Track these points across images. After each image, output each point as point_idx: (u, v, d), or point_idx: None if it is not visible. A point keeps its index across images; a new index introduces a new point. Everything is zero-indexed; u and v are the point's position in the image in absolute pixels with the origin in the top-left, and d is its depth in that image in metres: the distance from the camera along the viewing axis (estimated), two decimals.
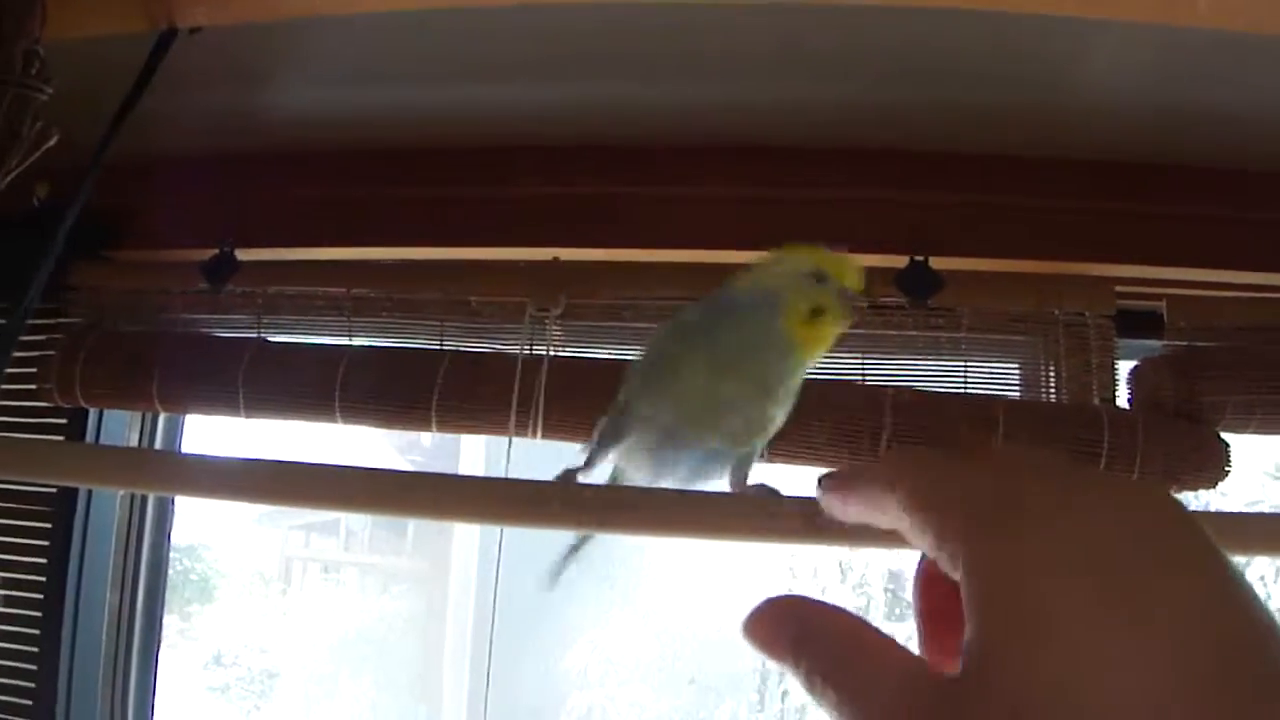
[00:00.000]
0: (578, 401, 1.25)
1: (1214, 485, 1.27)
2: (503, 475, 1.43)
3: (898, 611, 2.11)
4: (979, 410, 1.25)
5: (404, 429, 1.32)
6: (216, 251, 1.43)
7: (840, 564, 2.13)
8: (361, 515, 2.46)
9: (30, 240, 1.36)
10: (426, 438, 2.22)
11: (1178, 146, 1.32)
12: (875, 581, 2.13)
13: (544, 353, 1.30)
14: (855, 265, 0.85)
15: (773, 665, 0.35)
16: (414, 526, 2.37)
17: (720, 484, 0.92)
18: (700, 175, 1.32)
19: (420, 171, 1.38)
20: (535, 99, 1.30)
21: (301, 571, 2.61)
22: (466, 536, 2.25)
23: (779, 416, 0.88)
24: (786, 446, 1.22)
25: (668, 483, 0.91)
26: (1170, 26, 1.05)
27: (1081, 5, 0.96)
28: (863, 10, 1.08)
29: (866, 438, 1.22)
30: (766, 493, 0.88)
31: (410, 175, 1.39)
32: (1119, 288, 1.33)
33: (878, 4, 1.05)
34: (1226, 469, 1.27)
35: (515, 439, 1.27)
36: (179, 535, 2.42)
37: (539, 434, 1.26)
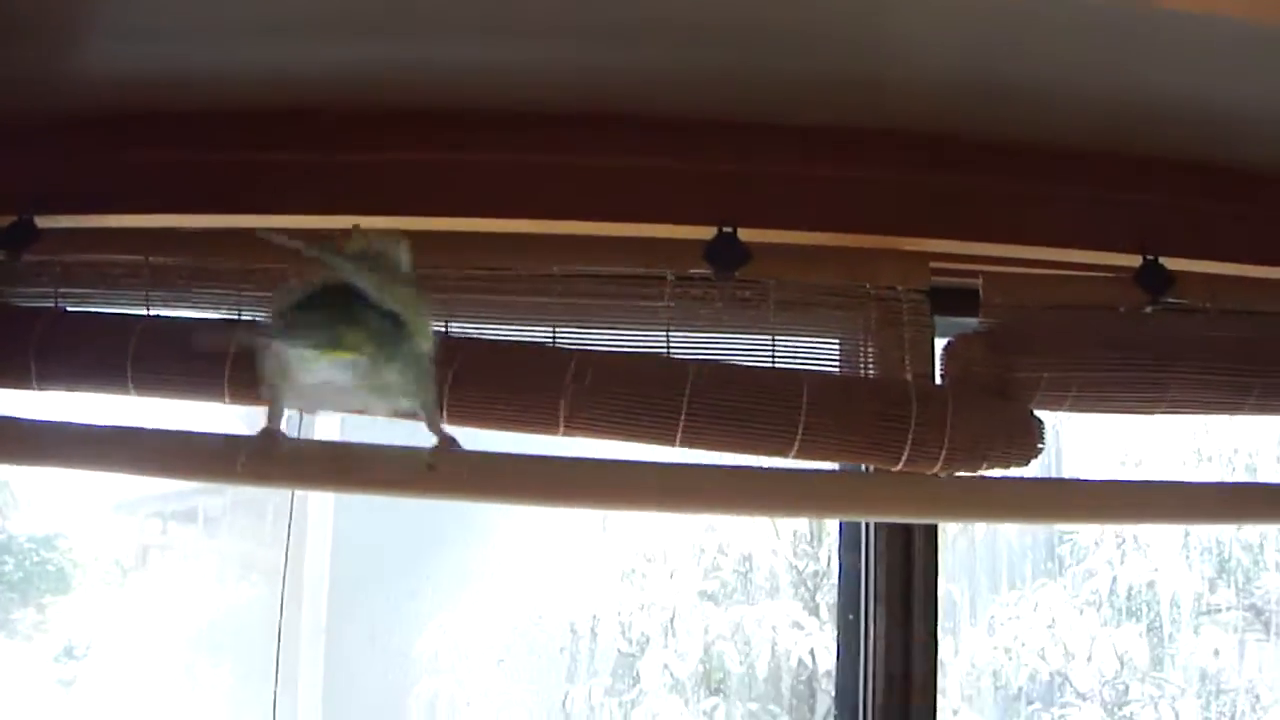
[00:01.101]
0: None
1: (1026, 462, 1.27)
2: None
3: (749, 595, 2.10)
4: (783, 383, 1.23)
5: (197, 400, 1.27)
6: (15, 219, 1.37)
7: (696, 547, 2.12)
8: (219, 501, 2.42)
9: None
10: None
11: (996, 120, 1.31)
12: (726, 565, 2.12)
13: None
14: None
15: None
16: (272, 513, 2.32)
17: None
18: (492, 141, 1.28)
19: (224, 136, 1.33)
20: (333, 59, 1.25)
21: (159, 560, 2.55)
22: (321, 523, 2.20)
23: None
24: (587, 418, 1.20)
25: None
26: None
27: None
28: None
29: (665, 411, 1.19)
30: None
31: (213, 140, 1.33)
32: (934, 264, 1.32)
33: None
34: (1039, 446, 1.26)
35: None
36: (34, 525, 2.37)
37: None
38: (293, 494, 2.10)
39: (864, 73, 1.23)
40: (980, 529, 2.25)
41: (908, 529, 1.38)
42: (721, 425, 1.20)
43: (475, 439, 1.14)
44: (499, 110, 1.29)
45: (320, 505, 2.21)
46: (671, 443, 1.19)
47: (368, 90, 1.29)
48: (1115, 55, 1.16)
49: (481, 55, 1.20)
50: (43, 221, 1.36)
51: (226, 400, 1.25)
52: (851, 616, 1.39)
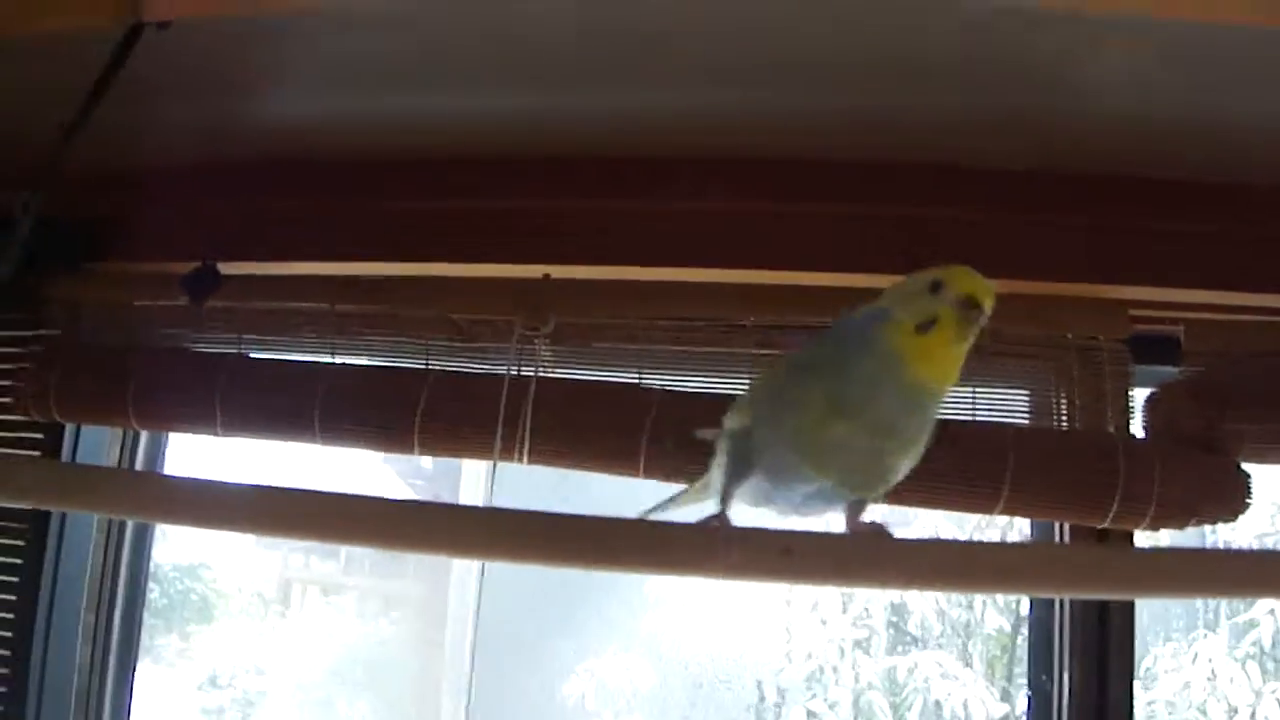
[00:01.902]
0: (567, 425, 1.20)
1: (1234, 519, 1.21)
2: (491, 504, 1.40)
3: (900, 647, 2.05)
4: (988, 440, 1.19)
5: (385, 450, 1.27)
6: (198, 265, 1.38)
7: (842, 596, 2.06)
8: None
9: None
10: (428, 462, 2.18)
11: (1192, 159, 1.26)
12: (878, 614, 2.06)
13: (531, 373, 1.24)
14: (977, 275, 0.78)
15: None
16: None
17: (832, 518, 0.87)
18: (696, 189, 1.26)
19: (408, 184, 1.34)
20: (525, 110, 1.25)
21: (301, 593, 2.56)
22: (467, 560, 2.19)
23: (902, 465, 0.82)
24: None
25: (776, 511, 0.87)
26: (1185, 31, 1.00)
27: None
28: (862, 13, 1.03)
29: None
30: (876, 530, 0.86)
31: (397, 188, 1.34)
32: (1134, 311, 1.27)
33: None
34: (1247, 501, 1.21)
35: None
36: (179, 555, 2.40)
37: (525, 458, 1.21)
38: None
39: (1051, 112, 1.19)
40: None
41: None
42: (921, 481, 1.16)
43: None
44: (676, 158, 1.28)
45: None
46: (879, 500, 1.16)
47: (547, 138, 1.28)
48: None
49: (688, 103, 1.19)
50: (227, 268, 1.37)
51: (416, 451, 1.24)
52: (1045, 677, 1.34)
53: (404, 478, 2.28)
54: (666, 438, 1.16)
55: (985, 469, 1.16)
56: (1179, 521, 1.18)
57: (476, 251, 1.29)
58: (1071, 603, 1.32)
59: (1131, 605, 1.33)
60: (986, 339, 1.22)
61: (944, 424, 1.21)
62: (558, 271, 1.27)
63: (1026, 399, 1.31)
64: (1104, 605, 1.32)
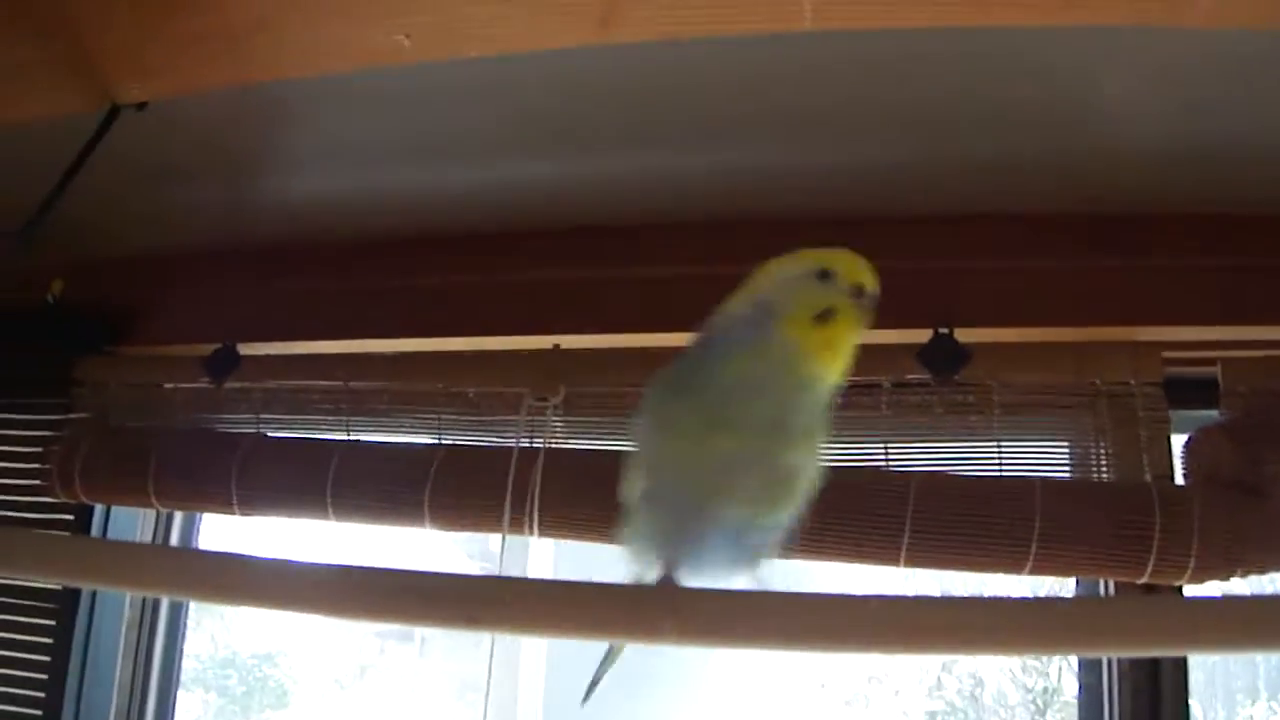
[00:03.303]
0: (579, 496, 1.18)
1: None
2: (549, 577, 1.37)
3: (978, 715, 1.98)
4: (1013, 492, 1.14)
5: (396, 525, 1.26)
6: (218, 346, 1.39)
7: (920, 666, 2.00)
8: None
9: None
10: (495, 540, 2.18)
11: (1216, 193, 1.22)
12: (950, 684, 1.99)
13: (540, 445, 1.22)
14: (860, 258, 0.74)
15: None
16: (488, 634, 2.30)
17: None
18: (702, 253, 1.24)
19: (416, 260, 1.34)
20: (528, 180, 1.24)
21: (377, 678, 2.56)
22: (536, 644, 2.18)
23: (804, 465, 0.74)
24: (809, 540, 1.12)
25: (707, 574, 0.78)
26: (1197, 58, 0.97)
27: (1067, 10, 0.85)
28: (862, 67, 1.01)
29: (889, 529, 1.12)
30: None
31: (406, 264, 1.34)
32: (1167, 353, 1.21)
33: (872, 58, 0.98)
34: None
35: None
36: (257, 642, 2.43)
37: (535, 531, 1.18)
38: None
39: (1072, 152, 1.16)
40: None
41: None
42: (949, 540, 1.12)
43: None
44: (686, 222, 1.26)
45: None
46: (896, 562, 1.11)
47: (553, 209, 1.27)
48: None
49: (689, 167, 1.18)
50: (245, 348, 1.38)
51: (427, 525, 1.23)
52: None
53: (473, 558, 2.27)
54: None
55: (1011, 526, 1.11)
56: (1224, 572, 1.12)
57: (485, 324, 1.28)
58: (1119, 663, 1.26)
59: (1184, 663, 1.27)
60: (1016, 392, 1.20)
61: (970, 480, 1.18)
62: (567, 342, 1.25)
63: (1066, 451, 1.26)
64: (1155, 661, 1.26)
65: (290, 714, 2.44)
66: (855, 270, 0.73)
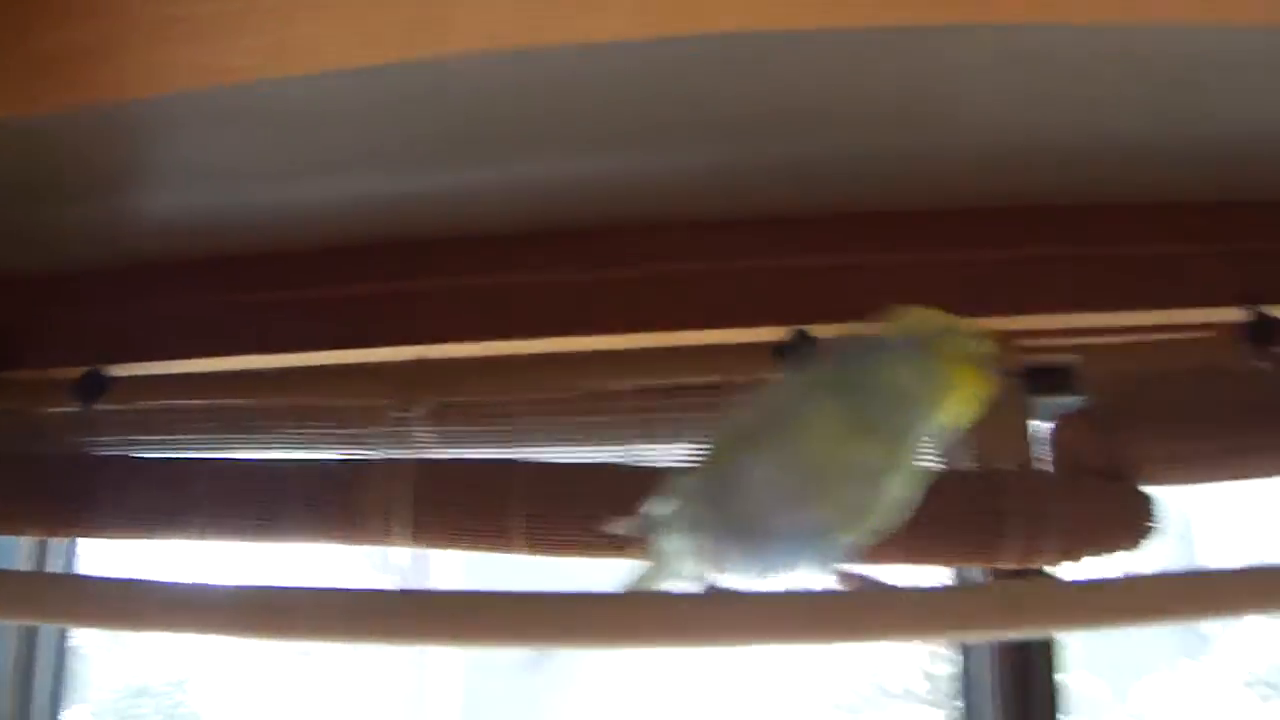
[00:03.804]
0: (442, 506, 1.18)
1: (1137, 545, 1.17)
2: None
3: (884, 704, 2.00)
4: None
5: (263, 542, 1.25)
6: (86, 370, 1.38)
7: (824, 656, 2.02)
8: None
9: None
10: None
11: (1070, 181, 1.24)
12: (858, 675, 2.01)
13: (406, 456, 1.22)
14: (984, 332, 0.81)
15: None
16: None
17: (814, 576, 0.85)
18: (566, 258, 1.25)
19: (276, 276, 1.33)
20: (388, 194, 1.24)
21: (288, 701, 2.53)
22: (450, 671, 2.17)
23: (899, 496, 0.81)
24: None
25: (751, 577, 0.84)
26: (1051, 47, 0.98)
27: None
28: (709, 68, 1.01)
29: None
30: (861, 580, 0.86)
31: (267, 280, 1.33)
32: (1026, 341, 1.24)
33: (726, 59, 0.99)
34: (1150, 526, 1.17)
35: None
36: (170, 670, 2.40)
37: (406, 542, 1.18)
38: None
39: (922, 148, 1.18)
40: None
41: None
42: None
43: None
44: (534, 230, 1.27)
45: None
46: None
47: (413, 220, 1.27)
48: (1193, 98, 1.09)
49: (547, 173, 1.19)
50: (115, 370, 1.37)
51: (297, 540, 1.23)
52: None
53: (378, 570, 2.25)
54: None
55: None
56: (1079, 553, 1.15)
57: (350, 337, 1.27)
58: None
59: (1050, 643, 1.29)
60: None
61: None
62: (432, 352, 1.25)
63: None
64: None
65: None
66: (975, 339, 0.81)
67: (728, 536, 0.82)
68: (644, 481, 0.93)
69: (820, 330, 1.20)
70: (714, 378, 1.21)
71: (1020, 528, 1.12)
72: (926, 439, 0.81)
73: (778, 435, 0.80)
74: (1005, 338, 1.18)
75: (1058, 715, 1.27)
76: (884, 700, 2.01)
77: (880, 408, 0.78)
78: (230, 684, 2.41)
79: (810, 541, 0.81)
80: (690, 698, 1.97)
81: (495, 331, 1.24)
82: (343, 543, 1.22)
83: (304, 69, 0.92)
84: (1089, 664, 2.08)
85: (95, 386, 1.37)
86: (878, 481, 0.79)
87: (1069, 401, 1.24)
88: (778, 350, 1.19)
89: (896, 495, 0.81)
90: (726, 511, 0.82)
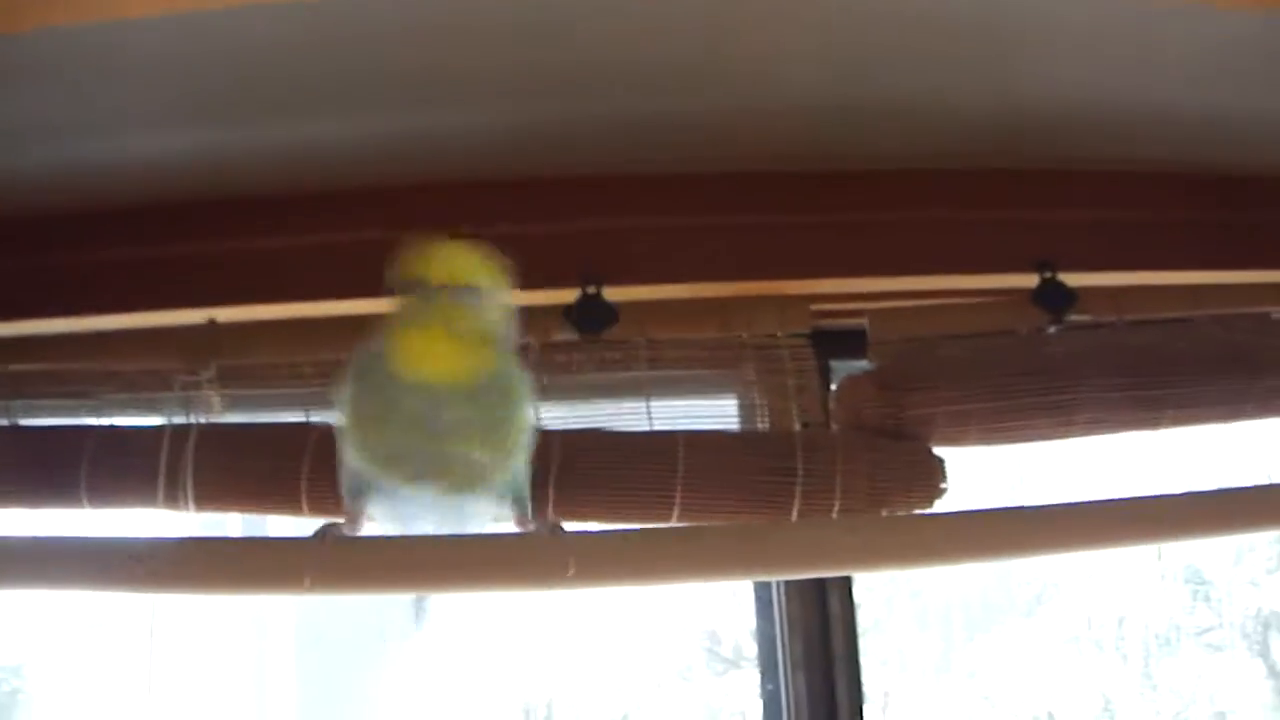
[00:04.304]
0: (228, 470, 1.17)
1: (929, 504, 1.20)
2: None
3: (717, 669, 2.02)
4: (656, 446, 1.17)
5: (54, 508, 1.22)
6: None
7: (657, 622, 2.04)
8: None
9: None
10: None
11: (863, 146, 1.27)
12: (690, 640, 2.03)
13: (193, 421, 1.21)
14: (444, 254, 0.85)
15: None
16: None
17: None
18: (355, 220, 1.23)
19: (65, 237, 1.28)
20: (185, 151, 1.21)
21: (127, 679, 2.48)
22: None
23: (475, 451, 0.85)
24: None
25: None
26: (848, 8, 1.00)
27: None
28: (504, 28, 1.01)
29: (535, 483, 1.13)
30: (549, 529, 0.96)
31: (56, 240, 1.29)
32: (820, 305, 1.27)
33: (516, 19, 0.99)
34: (941, 486, 1.20)
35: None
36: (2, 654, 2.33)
37: (192, 506, 1.17)
38: None
39: (716, 110, 1.19)
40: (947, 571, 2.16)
41: (821, 587, 1.31)
42: (594, 493, 1.14)
43: None
44: (330, 190, 1.26)
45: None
46: (543, 513, 1.13)
47: (207, 179, 1.25)
48: (985, 63, 1.12)
49: (338, 133, 1.19)
50: None
51: (85, 506, 1.20)
52: (770, 687, 1.32)
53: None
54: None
55: (655, 477, 1.14)
56: (869, 511, 1.17)
57: (139, 300, 1.25)
58: (789, 605, 1.31)
59: (852, 605, 1.32)
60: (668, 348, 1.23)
61: (616, 436, 1.20)
62: (223, 315, 1.23)
63: (735, 406, 1.30)
64: (824, 605, 1.31)
65: None
66: (432, 269, 0.84)
67: (377, 496, 0.90)
68: None
69: (611, 293, 1.21)
70: None
71: (808, 487, 1.15)
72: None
73: (347, 432, 0.88)
74: (795, 302, 1.23)
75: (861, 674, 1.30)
76: (717, 665, 2.04)
77: (373, 398, 0.85)
78: (68, 668, 2.36)
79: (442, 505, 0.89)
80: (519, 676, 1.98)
81: (283, 294, 1.22)
82: (123, 506, 1.20)
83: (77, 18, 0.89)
84: (921, 623, 2.15)
85: None
86: (429, 451, 0.84)
87: (861, 365, 1.27)
88: (568, 312, 1.20)
89: (465, 457, 0.85)
90: (357, 477, 0.89)
